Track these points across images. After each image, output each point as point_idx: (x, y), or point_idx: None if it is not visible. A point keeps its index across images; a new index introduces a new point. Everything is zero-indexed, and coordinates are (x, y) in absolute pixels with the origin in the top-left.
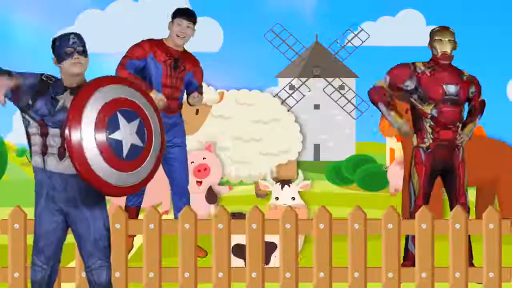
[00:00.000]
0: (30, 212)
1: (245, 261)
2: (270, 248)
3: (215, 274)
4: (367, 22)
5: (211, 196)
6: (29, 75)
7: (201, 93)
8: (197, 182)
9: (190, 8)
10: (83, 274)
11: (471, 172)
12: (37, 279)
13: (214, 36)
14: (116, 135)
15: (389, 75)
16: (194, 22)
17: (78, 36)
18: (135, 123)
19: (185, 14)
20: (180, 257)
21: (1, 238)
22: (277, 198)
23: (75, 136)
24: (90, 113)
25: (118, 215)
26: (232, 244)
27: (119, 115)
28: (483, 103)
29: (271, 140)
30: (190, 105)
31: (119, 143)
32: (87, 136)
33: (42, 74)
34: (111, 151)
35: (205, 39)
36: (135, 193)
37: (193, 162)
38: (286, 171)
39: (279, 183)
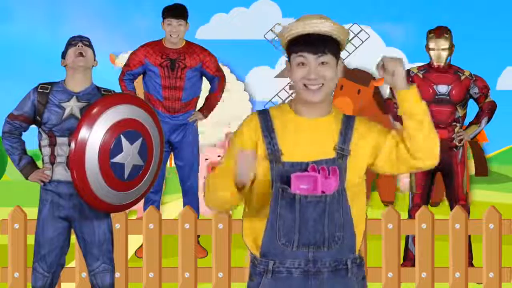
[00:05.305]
0: (30, 212)
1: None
2: None
3: (215, 274)
4: (218, 14)
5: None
6: (24, 102)
7: (221, 76)
8: None
9: None
10: (83, 275)
11: None
12: (38, 286)
13: None
14: (118, 159)
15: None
16: (184, 19)
17: (86, 37)
18: (138, 142)
19: (172, 14)
20: (180, 257)
21: (1, 238)
22: None
23: (79, 148)
24: (96, 134)
25: (118, 215)
26: None
27: (122, 138)
28: (491, 105)
29: (222, 110)
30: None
31: (121, 166)
32: (90, 154)
33: (36, 87)
34: (112, 173)
35: None
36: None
37: None
38: None
39: None
